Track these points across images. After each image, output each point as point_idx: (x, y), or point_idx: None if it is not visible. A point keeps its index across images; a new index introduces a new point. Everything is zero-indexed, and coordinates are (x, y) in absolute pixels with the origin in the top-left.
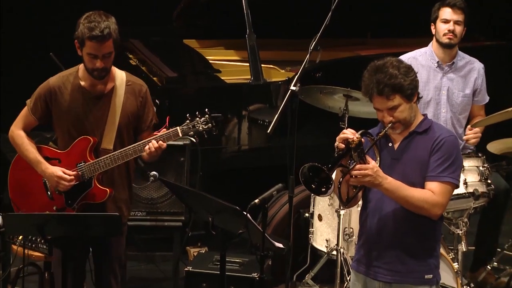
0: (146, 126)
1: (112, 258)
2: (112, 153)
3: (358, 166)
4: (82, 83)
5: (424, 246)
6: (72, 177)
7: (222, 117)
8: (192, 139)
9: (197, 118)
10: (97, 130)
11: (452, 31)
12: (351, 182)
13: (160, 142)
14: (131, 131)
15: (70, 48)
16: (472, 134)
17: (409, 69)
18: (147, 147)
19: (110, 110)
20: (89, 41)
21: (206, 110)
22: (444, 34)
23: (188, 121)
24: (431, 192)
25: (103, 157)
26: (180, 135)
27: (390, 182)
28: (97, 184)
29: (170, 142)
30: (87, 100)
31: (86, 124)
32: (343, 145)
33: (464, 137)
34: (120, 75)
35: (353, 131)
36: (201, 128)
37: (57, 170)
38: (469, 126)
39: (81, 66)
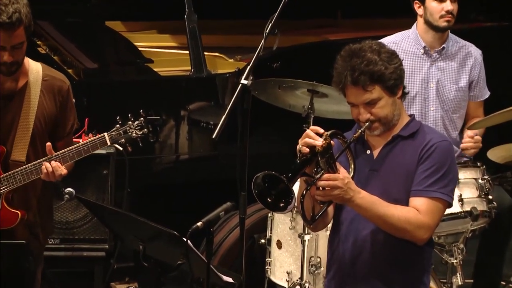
0: (66, 133)
1: None
2: (25, 166)
3: (326, 175)
4: None
5: (408, 278)
6: None
7: (161, 121)
8: (119, 147)
9: (130, 122)
10: (6, 138)
11: (450, 12)
12: (317, 196)
13: (58, 164)
14: (46, 138)
15: None
16: (472, 143)
17: (392, 55)
18: (43, 167)
19: (22, 113)
20: None
21: (141, 111)
22: (441, 16)
23: (118, 125)
24: (415, 211)
25: (13, 170)
26: (109, 143)
27: (364, 197)
28: (6, 205)
29: None
30: None
31: None
32: (308, 149)
33: (462, 145)
34: (35, 69)
35: (320, 130)
36: (134, 134)
37: None
38: (467, 132)
39: None
